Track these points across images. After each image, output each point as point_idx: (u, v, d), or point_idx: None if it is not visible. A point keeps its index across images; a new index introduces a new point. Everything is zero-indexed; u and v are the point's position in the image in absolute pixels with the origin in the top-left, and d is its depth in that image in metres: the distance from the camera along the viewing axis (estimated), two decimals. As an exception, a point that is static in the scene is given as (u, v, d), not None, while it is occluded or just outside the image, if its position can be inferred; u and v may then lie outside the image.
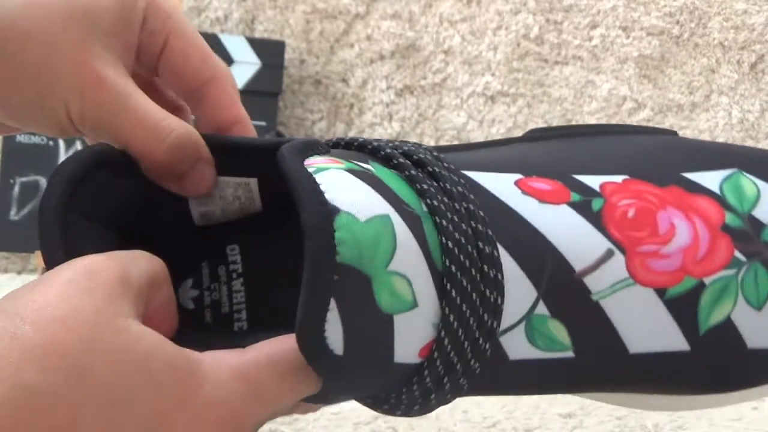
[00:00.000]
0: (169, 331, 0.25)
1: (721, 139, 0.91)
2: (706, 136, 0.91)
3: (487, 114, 0.91)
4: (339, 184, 0.23)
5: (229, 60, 0.85)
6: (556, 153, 0.31)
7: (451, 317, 0.24)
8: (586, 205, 0.28)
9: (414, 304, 0.24)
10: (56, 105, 0.26)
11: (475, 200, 0.26)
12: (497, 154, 0.30)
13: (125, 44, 0.27)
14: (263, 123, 0.84)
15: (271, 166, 0.25)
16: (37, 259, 0.83)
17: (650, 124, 0.92)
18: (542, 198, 0.28)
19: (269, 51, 0.86)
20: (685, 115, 0.91)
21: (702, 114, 0.91)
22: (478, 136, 0.91)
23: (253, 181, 0.28)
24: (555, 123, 0.91)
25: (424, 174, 0.26)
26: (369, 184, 0.24)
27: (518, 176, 0.28)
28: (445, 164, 0.27)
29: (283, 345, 0.23)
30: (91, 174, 0.25)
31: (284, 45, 0.87)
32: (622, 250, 0.27)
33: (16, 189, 0.84)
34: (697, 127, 0.91)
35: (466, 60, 0.91)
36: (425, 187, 0.26)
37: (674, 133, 0.33)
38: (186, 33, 0.29)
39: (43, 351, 0.19)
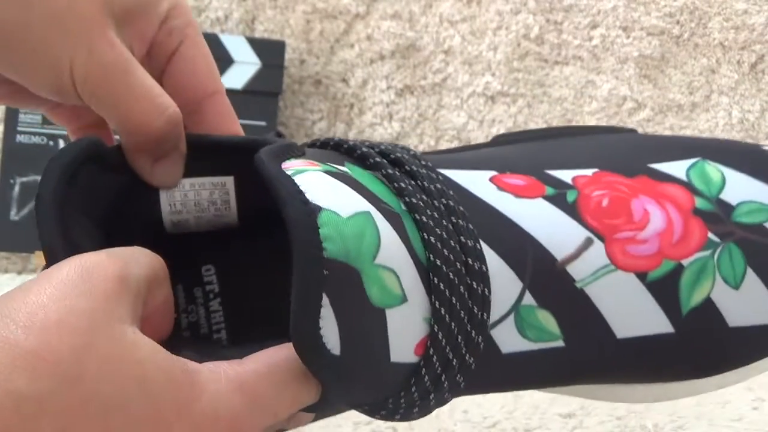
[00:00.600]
0: (166, 331, 0.25)
1: (721, 139, 0.91)
2: (706, 136, 0.91)
3: (488, 114, 0.91)
4: (318, 185, 0.23)
5: (229, 60, 0.85)
6: (526, 152, 0.31)
7: (442, 310, 0.24)
8: (561, 197, 0.28)
9: (404, 299, 0.24)
10: (61, 57, 0.25)
11: (454, 196, 0.27)
12: (469, 154, 0.31)
13: (140, 33, 0.27)
14: (263, 123, 0.84)
15: (247, 165, 0.25)
16: (37, 259, 0.83)
17: (650, 124, 0.92)
18: (518, 193, 0.28)
19: (269, 51, 0.86)
20: (686, 115, 0.91)
21: (702, 114, 0.91)
22: (478, 136, 0.91)
23: (230, 180, 0.28)
24: (555, 123, 0.91)
25: (401, 173, 0.27)
26: (346, 184, 0.24)
27: (493, 173, 0.29)
28: (423, 162, 0.28)
29: (281, 354, 0.23)
30: (84, 167, 0.25)
31: (284, 45, 0.87)
32: (601, 238, 0.28)
33: (16, 189, 0.84)
34: (697, 127, 0.91)
35: (466, 60, 0.91)
36: (403, 185, 0.26)
37: (634, 131, 0.35)
38: (200, 43, 0.29)
39: (35, 357, 0.19)
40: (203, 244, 0.30)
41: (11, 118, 0.86)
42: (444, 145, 0.90)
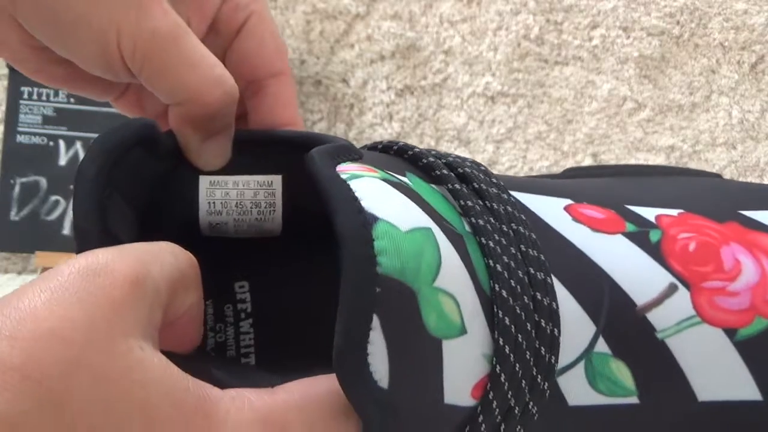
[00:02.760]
0: (193, 341, 0.22)
1: (721, 140, 0.91)
2: (706, 137, 0.91)
3: (488, 114, 0.91)
4: (375, 193, 0.21)
5: (229, 60, 0.85)
6: (603, 185, 0.29)
7: (506, 349, 0.22)
8: (643, 236, 0.26)
9: (463, 330, 0.21)
10: (107, 27, 0.23)
11: (526, 221, 0.24)
12: (540, 181, 0.28)
13: (199, 7, 0.26)
14: (263, 123, 0.84)
15: (297, 165, 0.23)
16: (37, 259, 0.83)
17: (650, 125, 0.92)
18: (595, 226, 0.25)
19: (269, 51, 0.86)
20: (686, 116, 0.91)
21: (702, 114, 0.91)
22: (478, 137, 0.91)
23: (277, 180, 0.26)
24: (555, 123, 0.91)
25: (468, 190, 0.24)
26: (406, 195, 0.22)
27: (568, 201, 0.26)
28: (494, 180, 0.25)
29: (319, 386, 0.20)
30: (133, 148, 0.23)
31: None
32: (686, 285, 0.25)
33: (16, 189, 0.84)
34: (698, 128, 0.91)
35: (466, 60, 0.91)
36: (469, 204, 0.23)
37: (719, 176, 0.32)
38: (268, 19, 0.27)
39: (20, 373, 0.16)
40: (239, 257, 0.27)
41: (11, 118, 0.86)
42: (444, 146, 0.90)
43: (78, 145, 0.86)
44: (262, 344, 0.27)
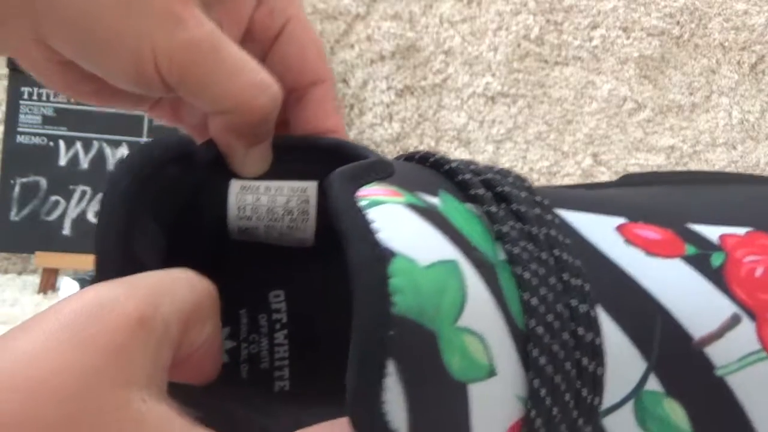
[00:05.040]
0: (208, 375, 0.21)
1: (721, 140, 0.91)
2: (706, 137, 0.91)
3: (488, 115, 0.91)
4: (395, 222, 0.19)
5: (229, 60, 0.85)
6: (663, 198, 0.26)
7: (542, 392, 0.20)
8: (703, 259, 0.23)
9: (491, 371, 0.19)
10: (140, 41, 0.22)
11: (570, 246, 0.22)
12: (593, 194, 0.26)
13: (233, 13, 0.24)
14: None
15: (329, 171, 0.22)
16: (37, 259, 0.83)
17: (650, 125, 0.92)
18: (650, 249, 0.23)
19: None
20: (686, 116, 0.91)
21: (702, 115, 0.91)
22: (478, 137, 0.91)
23: (312, 186, 0.24)
24: (555, 124, 0.91)
25: (506, 212, 0.22)
26: (432, 224, 0.20)
27: (622, 220, 0.24)
28: (537, 198, 0.23)
29: None
30: (165, 167, 0.22)
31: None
32: (752, 316, 0.23)
33: (16, 189, 0.84)
34: (698, 128, 0.91)
35: (466, 61, 0.91)
36: (505, 229, 0.21)
37: None
38: (307, 25, 0.26)
39: (6, 430, 0.15)
40: (275, 265, 0.26)
41: (11, 118, 0.86)
42: (444, 146, 0.90)
43: (78, 145, 0.86)
44: (296, 358, 0.25)
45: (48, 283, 0.81)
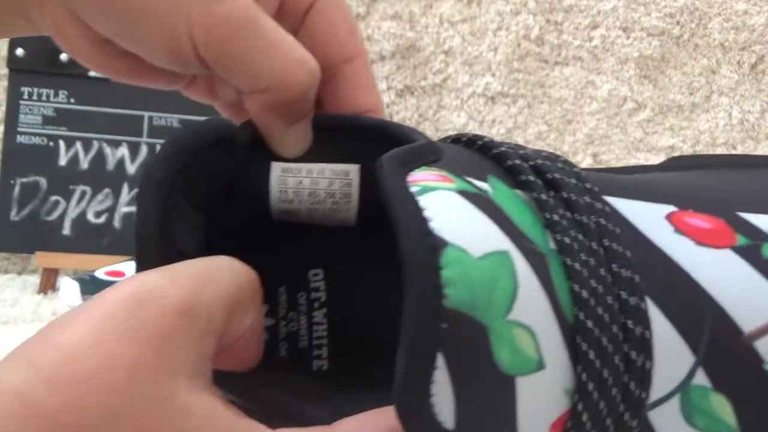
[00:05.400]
0: (251, 362, 0.21)
1: (721, 140, 0.91)
2: (706, 137, 0.91)
3: (488, 115, 0.91)
4: (448, 211, 0.19)
5: (229, 60, 0.85)
6: (712, 184, 0.25)
7: (590, 385, 0.20)
8: (754, 250, 0.23)
9: (540, 365, 0.19)
10: (175, 17, 0.21)
11: (620, 236, 0.22)
12: (640, 178, 0.25)
13: None
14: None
15: (376, 154, 0.21)
16: (37, 259, 0.83)
17: (650, 125, 0.92)
18: (701, 239, 0.23)
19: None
20: (686, 116, 0.91)
21: (702, 115, 0.91)
22: (478, 137, 0.91)
23: (354, 169, 0.24)
24: (555, 124, 0.91)
25: (556, 200, 0.22)
26: (484, 212, 0.20)
27: (671, 209, 0.23)
28: (587, 186, 0.22)
29: (376, 425, 0.19)
30: (203, 152, 0.21)
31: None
32: None
33: (16, 189, 0.84)
34: (698, 128, 0.91)
35: (466, 61, 0.91)
36: (556, 218, 0.21)
37: None
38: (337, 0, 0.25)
39: (54, 423, 0.15)
40: (315, 244, 0.25)
41: (11, 118, 0.86)
42: (444, 146, 0.90)
43: (78, 145, 0.86)
44: (335, 337, 0.25)
45: (48, 283, 0.81)
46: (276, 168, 0.24)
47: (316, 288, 0.25)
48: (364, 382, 0.21)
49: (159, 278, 0.17)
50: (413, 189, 0.19)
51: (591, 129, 0.92)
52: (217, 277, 0.18)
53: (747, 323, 0.22)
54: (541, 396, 0.19)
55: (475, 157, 0.23)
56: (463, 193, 0.20)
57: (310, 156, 0.24)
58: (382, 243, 0.24)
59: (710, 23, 0.91)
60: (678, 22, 0.91)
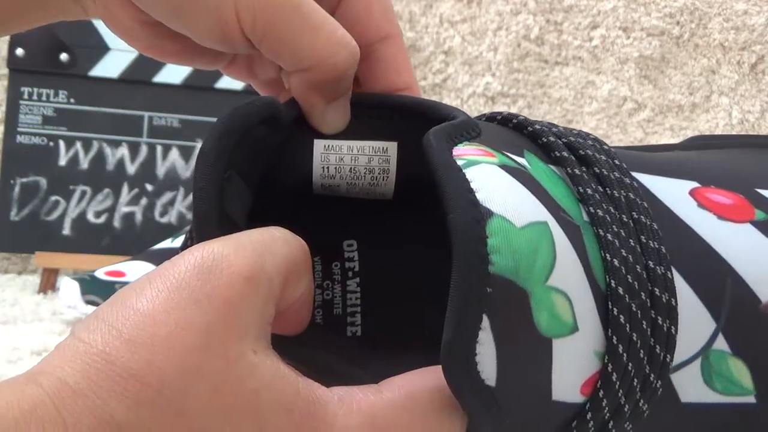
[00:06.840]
0: (301, 325, 0.22)
1: (721, 140, 0.91)
2: (706, 137, 0.92)
3: (488, 114, 0.91)
4: (492, 183, 0.20)
5: (229, 60, 0.85)
6: (732, 163, 0.27)
7: (620, 348, 0.21)
8: None
9: (575, 328, 0.20)
10: None
11: (648, 210, 0.23)
12: (663, 156, 0.26)
13: None
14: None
15: (413, 131, 0.22)
16: (37, 259, 0.83)
17: (650, 125, 0.92)
18: (722, 214, 0.24)
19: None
20: (686, 116, 0.91)
21: (702, 115, 0.91)
22: (478, 137, 0.91)
23: (393, 146, 0.25)
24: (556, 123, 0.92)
25: (589, 175, 0.23)
26: (524, 185, 0.21)
27: (694, 185, 0.24)
28: (616, 162, 0.24)
29: (423, 381, 0.20)
30: (254, 128, 0.23)
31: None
32: None
33: (16, 189, 0.84)
34: (698, 128, 0.91)
35: (466, 61, 0.91)
36: (589, 192, 0.22)
37: None
38: None
39: (136, 380, 0.16)
40: (349, 215, 0.27)
41: (11, 118, 0.86)
42: (444, 146, 0.90)
43: (78, 145, 0.86)
44: (368, 305, 0.26)
45: (48, 283, 0.81)
46: (318, 145, 0.25)
47: (350, 258, 0.27)
48: (396, 345, 0.22)
49: (224, 247, 0.18)
50: (459, 162, 0.20)
51: (591, 129, 0.92)
52: (274, 247, 0.19)
53: (765, 293, 0.23)
54: (575, 357, 0.21)
55: (512, 134, 0.24)
56: (504, 167, 0.21)
57: (349, 132, 0.25)
58: (415, 215, 0.25)
59: (710, 23, 0.91)
60: (678, 22, 0.91)
